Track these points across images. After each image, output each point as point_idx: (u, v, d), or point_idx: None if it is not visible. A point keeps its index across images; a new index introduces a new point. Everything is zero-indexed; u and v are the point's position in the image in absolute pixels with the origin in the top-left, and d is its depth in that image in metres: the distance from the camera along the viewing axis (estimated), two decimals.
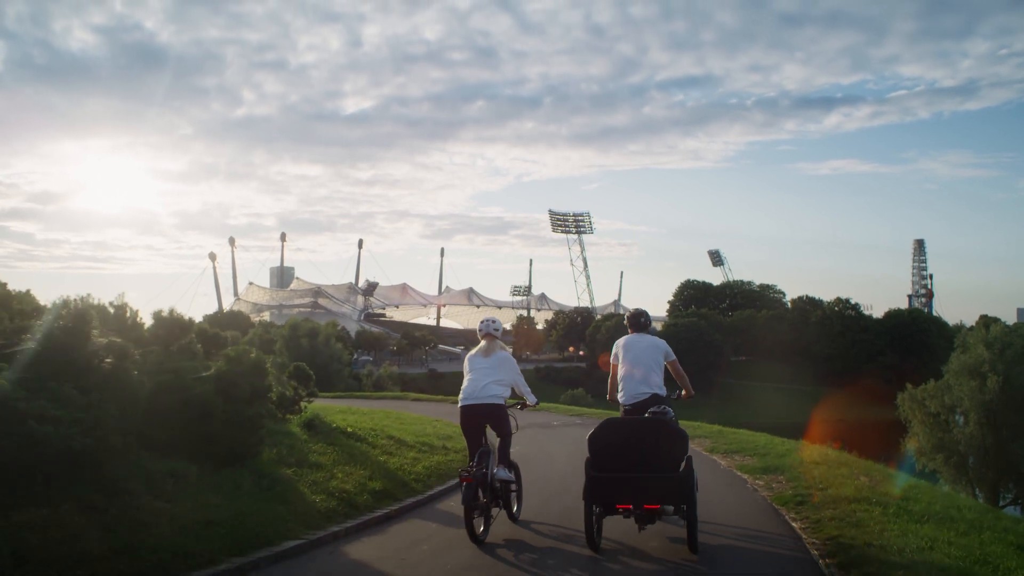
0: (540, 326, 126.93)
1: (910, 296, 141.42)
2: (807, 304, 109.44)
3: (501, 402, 8.06)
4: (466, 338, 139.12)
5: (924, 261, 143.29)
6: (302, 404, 13.99)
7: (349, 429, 13.73)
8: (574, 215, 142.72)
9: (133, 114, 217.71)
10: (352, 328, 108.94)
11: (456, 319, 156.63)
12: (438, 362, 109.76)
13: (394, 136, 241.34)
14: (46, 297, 10.30)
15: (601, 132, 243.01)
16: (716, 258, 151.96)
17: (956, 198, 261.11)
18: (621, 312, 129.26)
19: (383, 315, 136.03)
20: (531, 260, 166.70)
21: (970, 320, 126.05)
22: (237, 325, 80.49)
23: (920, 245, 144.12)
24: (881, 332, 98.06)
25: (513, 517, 8.42)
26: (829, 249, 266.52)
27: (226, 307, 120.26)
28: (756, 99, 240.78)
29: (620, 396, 8.17)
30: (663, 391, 8.13)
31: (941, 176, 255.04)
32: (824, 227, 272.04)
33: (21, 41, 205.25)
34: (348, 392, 37.93)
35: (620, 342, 8.44)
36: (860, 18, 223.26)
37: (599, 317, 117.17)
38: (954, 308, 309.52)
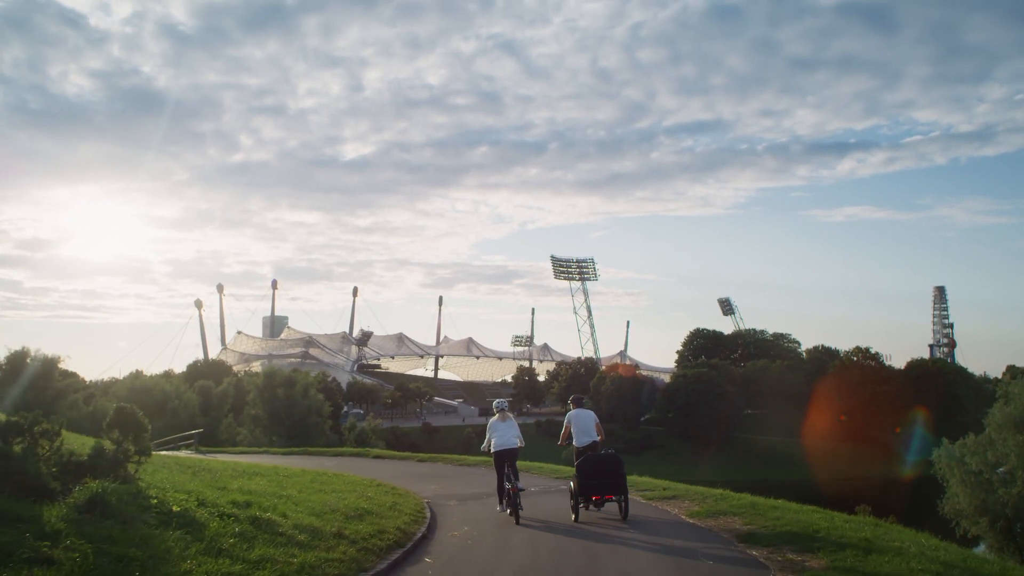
0: (542, 377, 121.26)
1: (931, 345, 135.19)
2: (823, 354, 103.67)
3: (517, 447, 13.08)
4: (465, 390, 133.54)
5: (946, 309, 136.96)
6: (130, 466, 9.26)
7: (177, 508, 8.82)
8: (577, 261, 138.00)
9: (127, 159, 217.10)
10: (344, 379, 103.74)
11: (454, 370, 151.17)
12: (434, 415, 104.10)
13: (395, 182, 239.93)
14: None
15: (608, 178, 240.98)
16: (727, 307, 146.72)
17: (976, 245, 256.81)
18: (627, 363, 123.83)
19: (378, 366, 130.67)
20: (533, 309, 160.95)
21: (994, 371, 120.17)
22: (216, 375, 75.70)
23: (941, 292, 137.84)
24: (904, 383, 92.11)
25: (516, 516, 12.18)
26: (845, 298, 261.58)
27: (214, 357, 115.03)
28: (767, 144, 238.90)
29: (575, 442, 13.11)
30: (597, 438, 13.21)
31: (959, 223, 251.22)
32: (839, 275, 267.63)
33: (16, 86, 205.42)
34: (319, 448, 32.72)
35: (571, 414, 13.43)
36: (873, 63, 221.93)
37: (603, 368, 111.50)
38: (976, 358, 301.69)
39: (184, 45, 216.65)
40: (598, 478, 12.05)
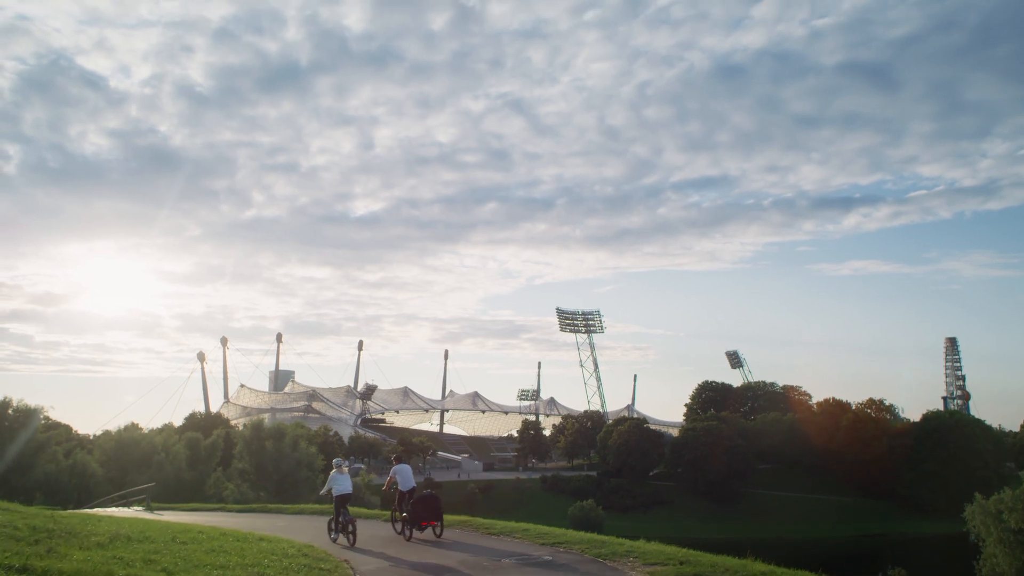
0: (548, 431, 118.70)
1: (945, 398, 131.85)
2: (835, 407, 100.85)
3: (351, 492, 17.97)
4: (470, 445, 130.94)
5: (958, 360, 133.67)
6: None
7: None
8: (583, 313, 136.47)
9: (142, 216, 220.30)
10: (346, 433, 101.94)
11: (460, 425, 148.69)
12: (437, 470, 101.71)
13: (404, 238, 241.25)
14: None
15: (616, 234, 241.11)
16: (734, 359, 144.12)
17: (984, 298, 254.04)
18: (635, 416, 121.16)
19: (382, 420, 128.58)
20: (539, 363, 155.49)
21: (1009, 424, 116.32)
22: (209, 428, 74.19)
23: (953, 343, 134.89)
24: (920, 436, 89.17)
25: (353, 541, 16.80)
26: (855, 351, 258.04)
27: (216, 411, 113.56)
28: (773, 200, 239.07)
29: (399, 487, 17.91)
30: (414, 484, 18.02)
31: (966, 276, 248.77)
32: (848, 328, 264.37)
33: (36, 145, 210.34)
34: (280, 505, 31.00)
35: (396, 468, 18.23)
36: (877, 120, 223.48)
37: (611, 422, 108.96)
38: (988, 411, 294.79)
39: (200, 105, 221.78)
40: (426, 511, 17.44)
